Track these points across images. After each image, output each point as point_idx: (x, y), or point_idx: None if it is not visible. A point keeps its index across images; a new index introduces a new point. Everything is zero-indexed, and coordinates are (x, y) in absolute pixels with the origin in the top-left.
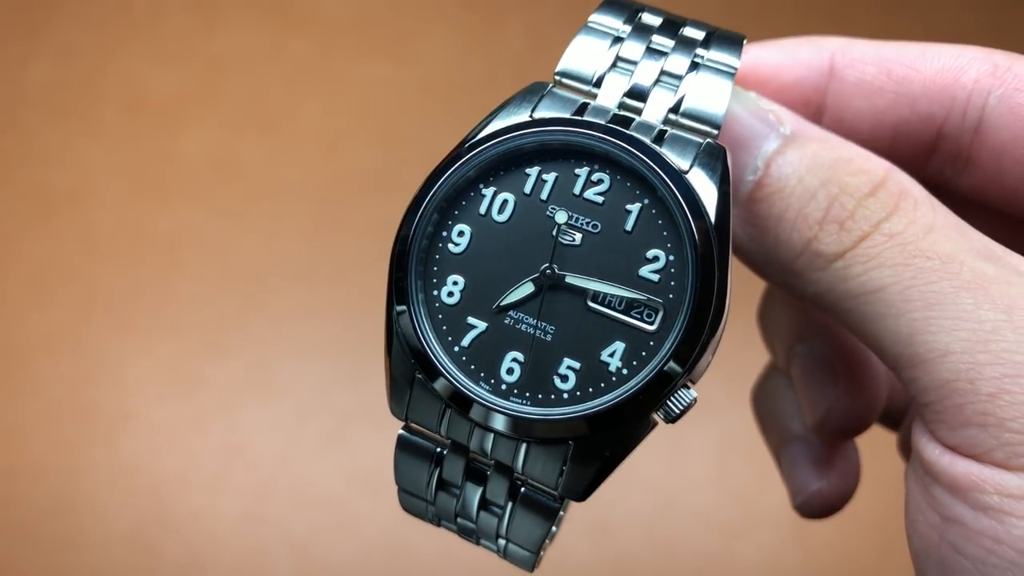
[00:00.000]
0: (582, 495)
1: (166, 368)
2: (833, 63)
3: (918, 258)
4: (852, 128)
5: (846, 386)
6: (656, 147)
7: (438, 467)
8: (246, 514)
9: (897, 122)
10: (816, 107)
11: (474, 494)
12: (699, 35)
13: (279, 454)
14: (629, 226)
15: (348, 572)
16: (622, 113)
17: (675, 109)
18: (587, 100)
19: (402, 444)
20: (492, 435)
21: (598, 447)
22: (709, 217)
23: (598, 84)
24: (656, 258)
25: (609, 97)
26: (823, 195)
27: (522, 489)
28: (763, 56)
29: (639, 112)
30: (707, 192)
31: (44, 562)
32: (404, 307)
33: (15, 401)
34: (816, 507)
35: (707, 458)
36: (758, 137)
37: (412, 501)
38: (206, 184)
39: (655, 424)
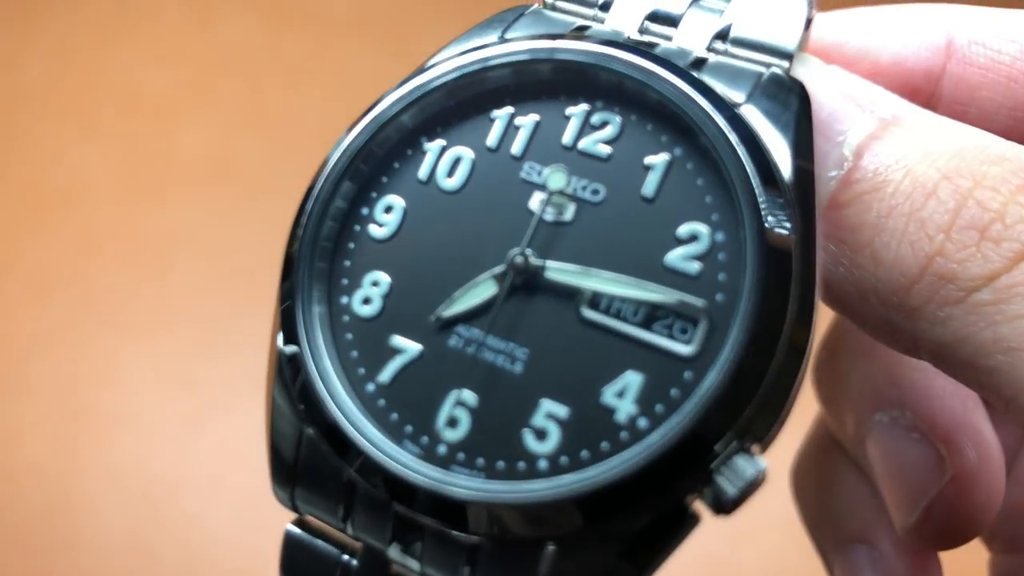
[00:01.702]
0: None
1: (163, 368)
2: (952, 39)
3: None
4: (978, 127)
5: (958, 475)
6: (692, 72)
7: None
8: (244, 515)
9: None
10: (927, 97)
11: None
12: None
13: None
14: (650, 190)
15: None
16: (642, 38)
17: (721, 36)
18: (588, 24)
19: (288, 549)
20: (424, 534)
21: (596, 555)
22: (780, 172)
23: (605, 8)
24: (694, 237)
25: (622, 20)
26: (947, 190)
27: None
28: (851, 27)
29: (667, 40)
30: (774, 136)
31: (39, 564)
32: (290, 320)
33: (10, 402)
34: None
35: None
36: (843, 119)
37: None
38: (203, 182)
39: (696, 518)
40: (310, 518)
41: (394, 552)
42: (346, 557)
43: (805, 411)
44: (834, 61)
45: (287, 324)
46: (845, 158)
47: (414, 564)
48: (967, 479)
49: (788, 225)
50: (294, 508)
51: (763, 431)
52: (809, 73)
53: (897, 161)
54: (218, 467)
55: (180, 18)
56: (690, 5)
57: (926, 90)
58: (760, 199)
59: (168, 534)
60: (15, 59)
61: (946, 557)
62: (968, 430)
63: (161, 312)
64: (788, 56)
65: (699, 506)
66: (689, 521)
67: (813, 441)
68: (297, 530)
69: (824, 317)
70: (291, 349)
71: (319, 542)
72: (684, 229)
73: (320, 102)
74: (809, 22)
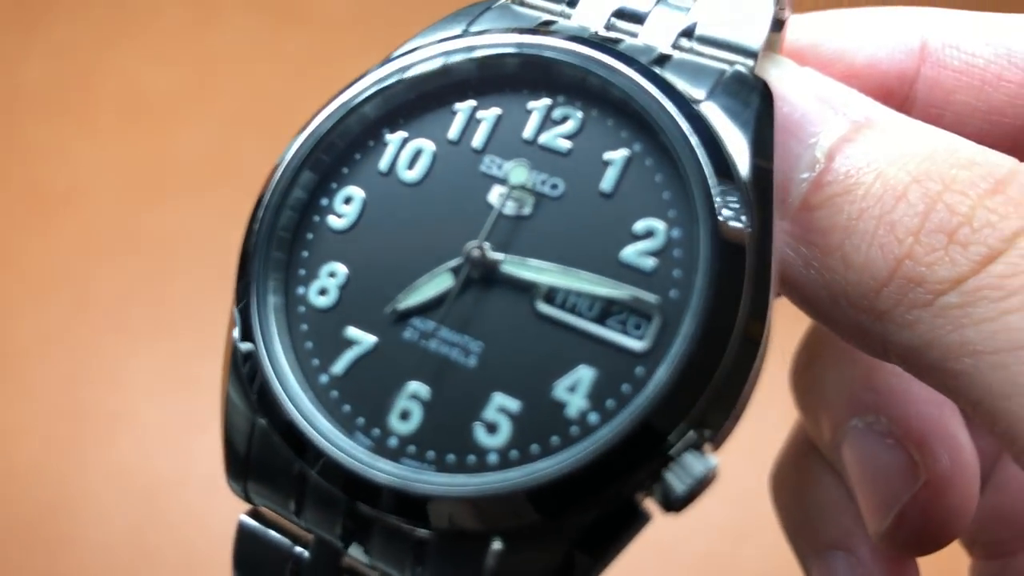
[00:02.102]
0: None
1: (163, 368)
2: (926, 42)
3: None
4: (953, 131)
5: (930, 480)
6: (655, 69)
7: None
8: None
9: (1021, 126)
10: (901, 100)
11: None
12: None
13: None
14: (608, 185)
15: None
16: (608, 34)
17: (687, 34)
18: (555, 19)
19: (241, 541)
20: (373, 527)
21: (543, 550)
22: (737, 169)
23: (572, 4)
24: (651, 233)
25: (588, 16)
26: (917, 193)
27: None
28: (826, 29)
29: (633, 36)
30: (733, 133)
31: (40, 564)
32: (245, 314)
33: (9, 402)
34: None
35: None
36: (816, 121)
37: None
38: (203, 183)
39: (646, 516)
40: (264, 509)
41: (349, 547)
42: (298, 549)
43: (787, 418)
44: (809, 63)
45: (242, 320)
46: (817, 160)
47: (364, 557)
48: (940, 484)
49: (743, 219)
50: (248, 500)
51: (717, 424)
52: (782, 75)
53: (868, 164)
54: (218, 467)
55: (180, 18)
56: (657, 3)
57: (900, 93)
58: (715, 195)
59: (168, 533)
60: (15, 59)
61: (925, 564)
62: (942, 435)
63: (161, 312)
64: (752, 54)
65: (650, 504)
66: (640, 518)
67: (792, 447)
68: (251, 521)
69: (801, 323)
70: (247, 346)
71: (272, 533)
72: (640, 225)
73: (320, 102)
74: (780, 23)
